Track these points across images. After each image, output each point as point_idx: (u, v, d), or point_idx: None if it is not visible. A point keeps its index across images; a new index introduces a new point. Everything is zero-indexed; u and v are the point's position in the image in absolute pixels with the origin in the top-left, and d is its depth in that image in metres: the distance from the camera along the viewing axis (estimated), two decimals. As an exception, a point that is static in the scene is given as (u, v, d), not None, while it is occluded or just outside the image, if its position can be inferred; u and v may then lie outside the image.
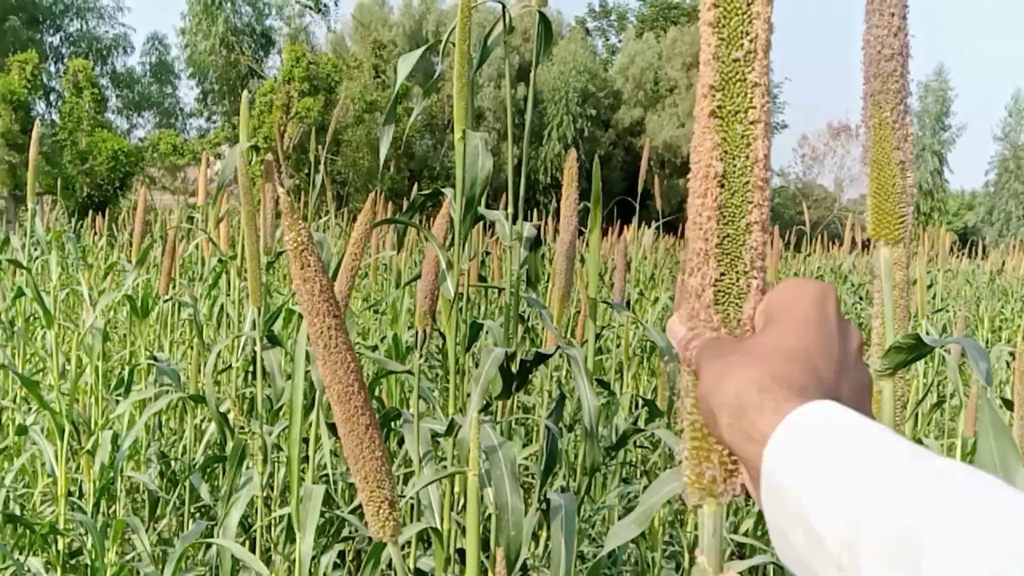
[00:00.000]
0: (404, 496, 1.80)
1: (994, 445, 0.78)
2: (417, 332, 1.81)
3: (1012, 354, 4.82)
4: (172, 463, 3.63)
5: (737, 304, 0.61)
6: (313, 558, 2.57)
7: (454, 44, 1.66)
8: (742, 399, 0.55)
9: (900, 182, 0.83)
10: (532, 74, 1.96)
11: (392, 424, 2.25)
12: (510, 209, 1.90)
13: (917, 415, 4.11)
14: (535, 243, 2.01)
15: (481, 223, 2.42)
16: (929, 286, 7.76)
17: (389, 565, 2.71)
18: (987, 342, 7.39)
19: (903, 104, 0.83)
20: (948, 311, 7.60)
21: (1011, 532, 0.43)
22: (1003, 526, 0.44)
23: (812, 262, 11.19)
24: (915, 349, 0.82)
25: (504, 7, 1.83)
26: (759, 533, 3.20)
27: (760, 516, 3.28)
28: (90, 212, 13.79)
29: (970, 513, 0.45)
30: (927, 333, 5.38)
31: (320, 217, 5.68)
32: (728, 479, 0.60)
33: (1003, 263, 13.57)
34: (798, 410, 0.53)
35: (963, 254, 18.08)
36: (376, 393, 3.55)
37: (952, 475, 0.47)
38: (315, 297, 0.91)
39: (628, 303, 5.61)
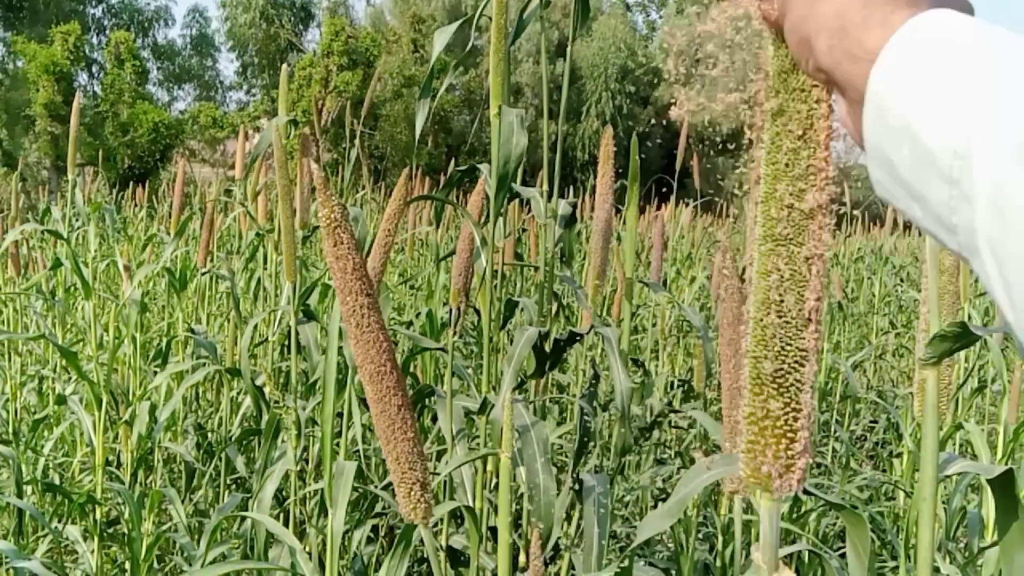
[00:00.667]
0: (437, 475, 1.79)
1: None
2: (451, 309, 1.80)
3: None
4: (209, 435, 3.66)
5: None
6: (345, 533, 2.58)
7: (490, 18, 1.63)
8: (844, 17, 0.52)
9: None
10: (569, 49, 1.94)
11: (426, 401, 2.25)
12: (545, 187, 1.88)
13: (958, 400, 4.05)
14: (570, 221, 1.99)
15: (518, 200, 2.40)
16: (970, 270, 7.64)
17: (422, 541, 2.72)
18: (1030, 325, 7.26)
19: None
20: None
21: None
22: None
23: (852, 243, 11.07)
24: (961, 338, 0.79)
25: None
26: (794, 517, 3.17)
27: (796, 500, 3.25)
28: (131, 184, 13.92)
29: None
30: (969, 317, 5.30)
31: (356, 192, 5.68)
32: (785, 474, 0.60)
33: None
34: (909, 23, 0.50)
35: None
36: (411, 369, 3.55)
37: None
38: (348, 275, 0.90)
39: (665, 282, 5.58)
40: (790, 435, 0.59)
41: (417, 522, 0.93)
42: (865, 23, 0.51)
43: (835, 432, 3.83)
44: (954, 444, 3.76)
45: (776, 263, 0.59)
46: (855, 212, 10.90)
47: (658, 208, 8.61)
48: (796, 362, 0.59)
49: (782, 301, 0.59)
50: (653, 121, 33.40)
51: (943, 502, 3.38)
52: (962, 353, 4.07)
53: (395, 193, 1.50)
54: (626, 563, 0.95)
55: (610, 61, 32.33)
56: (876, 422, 5.57)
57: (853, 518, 0.79)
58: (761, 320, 0.60)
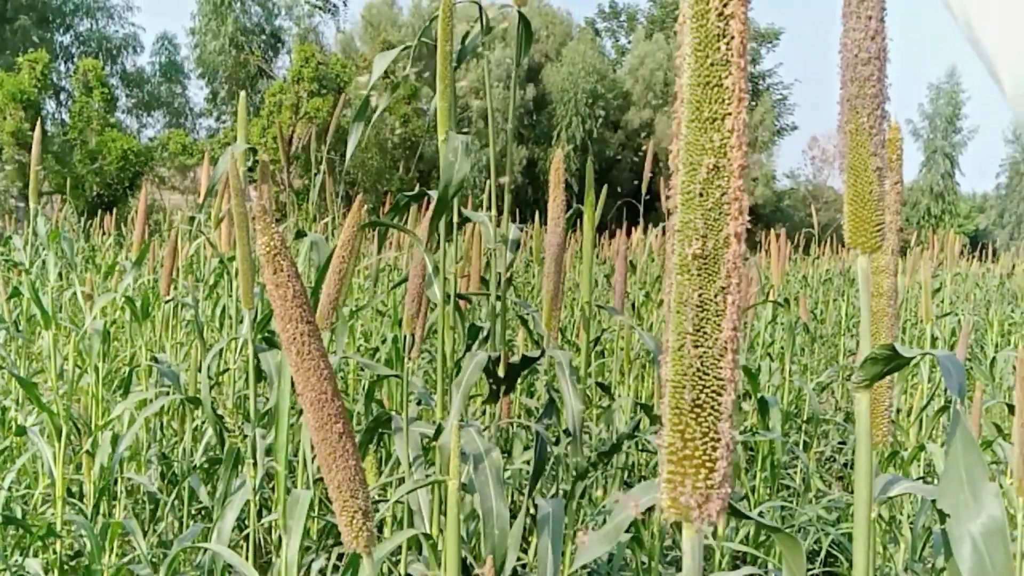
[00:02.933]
0: (387, 501, 1.78)
1: (962, 459, 0.77)
2: (405, 336, 1.80)
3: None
4: (173, 465, 3.63)
5: None
6: (311, 563, 2.56)
7: (431, 44, 1.64)
8: None
9: (877, 189, 0.82)
10: (514, 74, 1.95)
11: (387, 427, 2.24)
12: (493, 211, 1.89)
13: (922, 420, 4.08)
14: (517, 245, 2.00)
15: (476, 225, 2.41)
16: (937, 290, 7.71)
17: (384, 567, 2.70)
18: (996, 346, 7.34)
19: (880, 109, 0.81)
20: (957, 315, 7.56)
21: None
22: None
23: (821, 264, 11.16)
24: (891, 360, 0.80)
25: (480, 8, 1.82)
26: (760, 540, 3.18)
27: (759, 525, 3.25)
28: (99, 211, 13.82)
29: None
30: (933, 337, 5.34)
31: (323, 218, 5.67)
32: (703, 505, 0.59)
33: (1013, 267, 13.49)
34: None
35: (973, 257, 18.00)
36: (375, 395, 3.54)
37: None
38: (288, 303, 0.90)
39: (633, 305, 5.59)
40: (708, 465, 0.59)
41: (360, 551, 0.93)
42: None
43: (796, 455, 3.85)
44: (919, 464, 3.79)
45: (691, 293, 0.59)
46: (823, 234, 10.99)
47: (629, 231, 8.65)
48: (714, 392, 0.59)
49: (698, 331, 0.59)
50: (623, 146, 33.61)
51: (909, 522, 3.40)
52: (926, 374, 4.11)
53: (348, 220, 1.50)
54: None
55: (579, 86, 32.52)
56: (844, 443, 5.60)
57: (788, 542, 0.80)
58: (678, 350, 0.60)
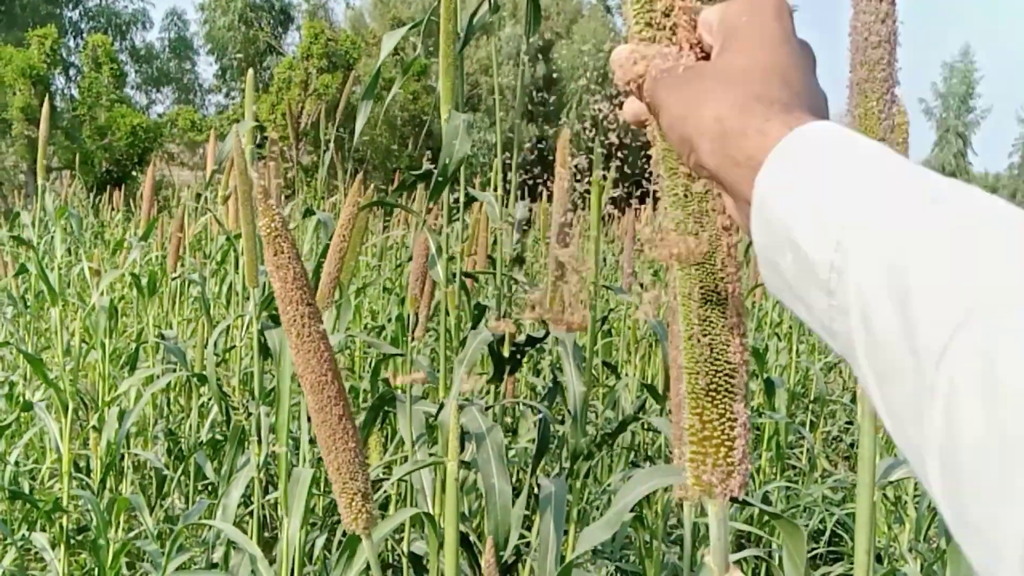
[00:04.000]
0: (388, 480, 1.78)
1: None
2: (409, 314, 1.80)
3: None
4: (180, 441, 3.64)
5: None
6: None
7: (439, 21, 1.63)
8: (724, 123, 0.53)
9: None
10: (523, 51, 1.94)
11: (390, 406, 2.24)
12: (499, 190, 1.88)
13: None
14: (526, 223, 1.99)
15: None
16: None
17: (388, 546, 2.71)
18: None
19: (890, 93, 0.80)
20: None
21: (1003, 269, 0.40)
22: (995, 262, 0.41)
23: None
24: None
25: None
26: (764, 520, 3.18)
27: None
28: (109, 187, 13.84)
29: (963, 248, 0.42)
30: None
31: (331, 195, 5.66)
32: (725, 481, 0.63)
33: (1024, 247, 13.42)
34: (789, 135, 0.51)
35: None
36: (382, 374, 3.54)
37: (950, 201, 0.45)
38: (288, 284, 0.89)
39: (642, 285, 5.57)
40: (728, 444, 0.62)
41: (359, 532, 0.92)
42: (744, 131, 0.52)
43: (802, 435, 3.85)
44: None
45: (692, 287, 0.61)
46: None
47: (637, 211, 8.62)
48: (727, 375, 0.62)
49: (704, 321, 0.61)
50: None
51: (914, 503, 3.40)
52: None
53: (348, 198, 1.49)
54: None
55: (590, 64, 32.37)
56: (851, 423, 5.59)
57: (789, 527, 0.79)
58: (688, 339, 0.62)
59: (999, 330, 0.39)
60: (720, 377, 0.62)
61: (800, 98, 0.54)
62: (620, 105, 0.64)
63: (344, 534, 3.10)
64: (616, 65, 0.62)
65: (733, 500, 0.63)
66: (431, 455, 1.85)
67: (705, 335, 0.61)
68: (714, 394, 0.62)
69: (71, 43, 31.78)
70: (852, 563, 3.18)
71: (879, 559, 3.45)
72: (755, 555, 2.61)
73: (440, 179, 1.66)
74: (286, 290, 0.89)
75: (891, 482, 1.00)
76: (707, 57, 0.59)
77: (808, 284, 0.49)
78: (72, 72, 30.22)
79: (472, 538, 2.17)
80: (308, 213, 2.55)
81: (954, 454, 0.40)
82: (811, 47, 0.59)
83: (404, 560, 2.01)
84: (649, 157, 0.65)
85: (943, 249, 0.42)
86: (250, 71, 2.76)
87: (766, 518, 3.34)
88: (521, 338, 2.16)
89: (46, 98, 3.80)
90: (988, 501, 0.39)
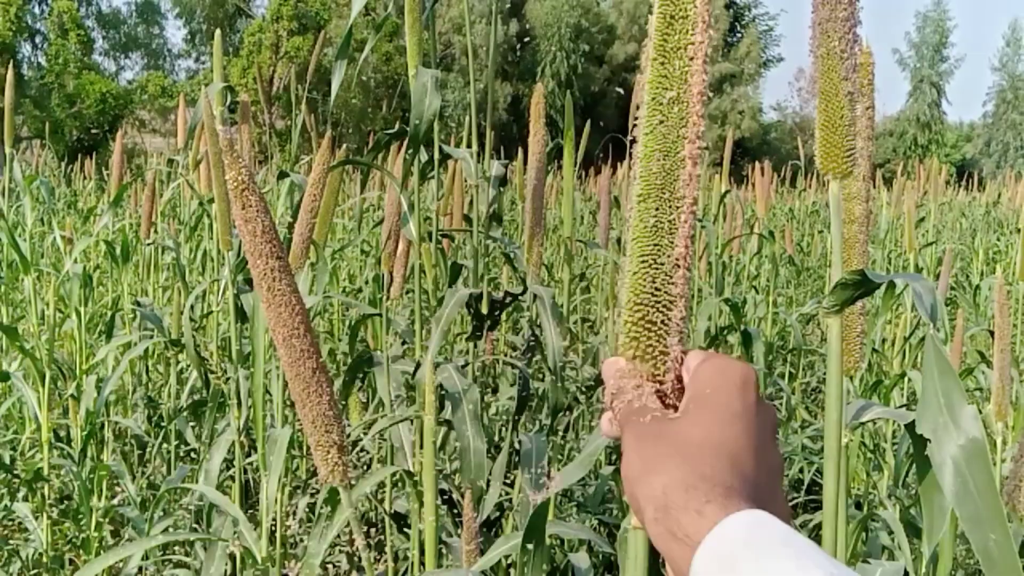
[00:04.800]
0: (368, 437, 1.79)
1: (939, 384, 0.77)
2: (382, 274, 1.79)
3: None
4: (160, 408, 3.64)
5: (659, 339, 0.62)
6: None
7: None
8: (668, 496, 0.56)
9: (848, 114, 0.81)
10: (494, 8, 1.92)
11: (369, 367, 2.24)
12: (474, 147, 1.87)
13: (906, 350, 4.11)
14: (503, 182, 1.98)
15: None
16: (922, 220, 7.72)
17: (371, 504, 2.73)
18: (982, 275, 7.38)
19: (852, 33, 0.80)
20: (942, 244, 7.58)
21: None
22: None
23: (807, 196, 11.14)
24: (861, 285, 0.80)
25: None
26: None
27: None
28: (80, 156, 13.69)
29: None
30: (917, 267, 5.35)
31: (305, 158, 5.62)
32: None
33: (999, 195, 13.51)
34: (730, 520, 0.54)
35: (960, 186, 18.01)
36: (362, 335, 3.54)
37: None
38: (257, 238, 0.89)
39: (619, 240, 5.59)
40: (659, 379, 0.63)
41: (336, 484, 0.93)
42: (685, 507, 0.55)
43: (779, 384, 3.88)
44: (902, 392, 3.83)
45: (648, 214, 0.61)
46: (810, 167, 10.97)
47: (614, 167, 8.62)
48: (664, 306, 0.62)
49: (655, 247, 0.61)
50: (608, 80, 33.35)
51: (893, 449, 3.44)
52: (909, 303, 4.13)
53: (318, 158, 1.48)
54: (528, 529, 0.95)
55: (563, 20, 32.15)
56: (829, 373, 5.63)
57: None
58: (634, 271, 0.62)
59: None
60: (659, 308, 0.62)
61: (745, 483, 0.58)
62: (598, 60, 0.65)
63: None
64: (605, 377, 0.66)
65: None
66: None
67: (652, 265, 0.62)
68: (650, 325, 0.62)
69: (36, 10, 31.26)
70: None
71: (859, 506, 3.50)
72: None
73: (414, 136, 1.65)
74: (255, 244, 0.89)
75: (861, 423, 1.01)
76: (681, 391, 0.63)
77: None
78: (38, 39, 29.75)
79: (456, 496, 2.18)
80: (282, 175, 2.53)
81: None
82: (774, 411, 0.64)
83: (387, 519, 2.02)
84: (625, 111, 0.67)
85: None
86: (217, 32, 2.73)
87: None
88: (499, 295, 2.16)
89: (10, 65, 3.75)
90: None
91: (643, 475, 0.59)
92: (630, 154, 0.67)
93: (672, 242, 0.61)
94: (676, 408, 0.62)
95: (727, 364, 0.62)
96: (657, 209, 0.61)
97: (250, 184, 0.89)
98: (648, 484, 0.58)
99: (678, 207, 0.61)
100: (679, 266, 0.61)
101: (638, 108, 0.65)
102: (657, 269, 0.61)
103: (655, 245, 0.61)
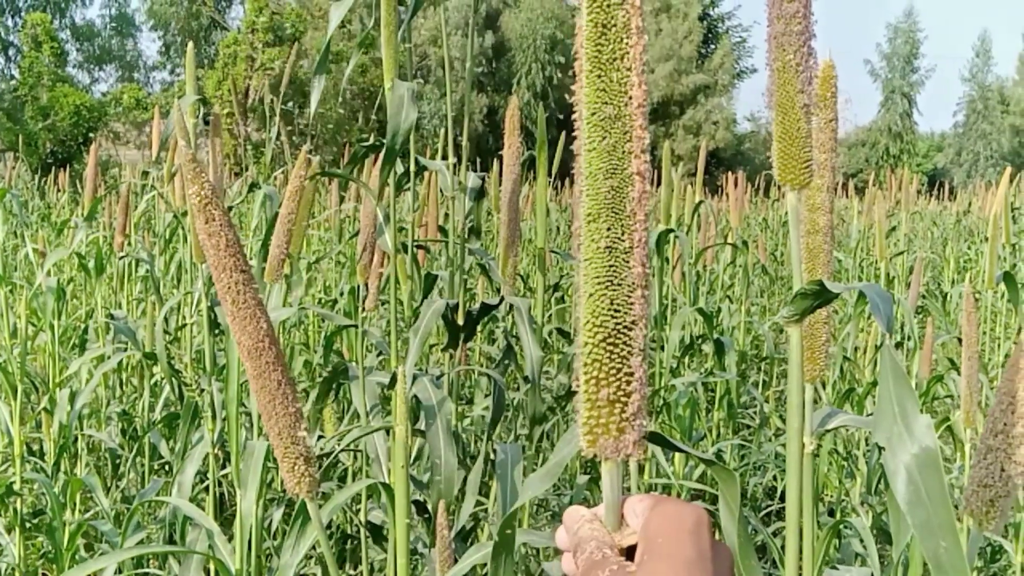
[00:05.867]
0: (345, 450, 1.79)
1: (893, 392, 0.79)
2: (358, 286, 1.80)
3: (975, 296, 4.85)
4: (134, 421, 3.62)
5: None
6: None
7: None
8: None
9: (804, 126, 0.82)
10: (471, 21, 1.93)
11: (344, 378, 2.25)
12: (451, 158, 1.88)
13: (876, 360, 4.15)
14: (480, 193, 1.99)
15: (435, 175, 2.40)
16: (893, 229, 7.79)
17: (347, 516, 2.72)
18: (953, 283, 7.45)
19: (807, 47, 0.82)
20: (913, 253, 7.65)
21: None
22: None
23: (781, 207, 11.21)
24: (820, 295, 0.81)
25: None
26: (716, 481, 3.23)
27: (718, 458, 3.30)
28: (54, 169, 13.60)
29: None
30: (888, 276, 5.40)
31: (277, 169, 5.62)
32: (619, 437, 0.61)
33: (969, 204, 13.65)
34: None
35: (931, 196, 18.17)
36: (337, 347, 3.54)
37: None
38: (221, 252, 0.89)
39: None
40: (623, 399, 0.60)
41: (303, 496, 0.93)
42: None
43: (752, 394, 3.91)
44: (874, 400, 3.85)
45: (599, 234, 0.60)
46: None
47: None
48: (626, 327, 0.60)
49: (610, 269, 0.60)
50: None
51: (865, 457, 3.47)
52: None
53: (294, 171, 1.49)
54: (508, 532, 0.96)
55: (539, 32, 32.27)
56: (803, 382, 5.67)
57: (724, 474, 0.81)
58: (591, 294, 0.61)
59: None
60: (619, 329, 0.60)
61: None
62: (574, 71, 0.65)
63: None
64: (566, 525, 0.66)
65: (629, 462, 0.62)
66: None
67: (609, 287, 0.60)
68: (611, 347, 0.60)
69: (8, 22, 31.07)
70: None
71: (831, 513, 3.52)
72: (706, 508, 2.65)
73: (390, 149, 1.65)
74: (219, 257, 0.89)
75: (827, 431, 1.03)
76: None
77: None
78: (11, 52, 29.56)
79: (431, 506, 2.18)
80: (253, 187, 2.53)
81: None
82: (728, 551, 0.64)
83: (362, 530, 2.02)
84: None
85: None
86: (190, 43, 2.73)
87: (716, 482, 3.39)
88: (475, 306, 2.17)
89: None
90: None
91: None
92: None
93: (628, 263, 0.60)
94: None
95: (678, 509, 0.62)
96: (609, 229, 0.60)
97: (213, 198, 0.90)
98: None
99: (631, 227, 0.60)
100: (637, 286, 0.60)
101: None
102: (615, 290, 0.60)
103: (610, 267, 0.60)
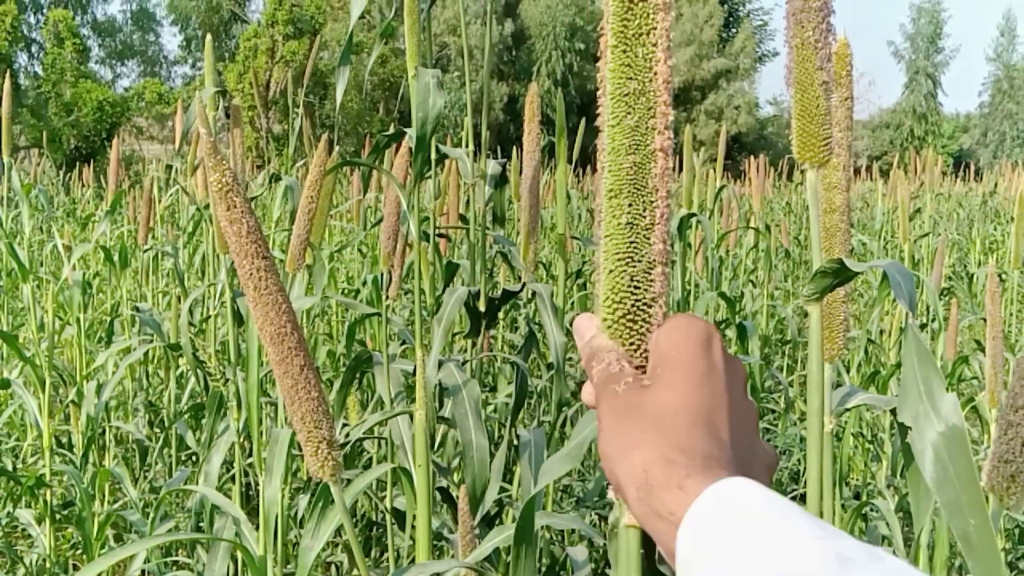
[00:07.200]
0: (369, 438, 1.80)
1: (918, 371, 0.78)
2: (381, 274, 1.81)
3: (1000, 276, 4.83)
4: (161, 412, 3.65)
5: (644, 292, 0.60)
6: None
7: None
8: (650, 474, 0.56)
9: (823, 103, 0.82)
10: (489, 9, 1.93)
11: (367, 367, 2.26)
12: (471, 147, 1.88)
13: (901, 342, 4.12)
14: (500, 180, 1.99)
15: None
16: (918, 211, 7.73)
17: (370, 500, 2.73)
18: (979, 264, 7.39)
19: (826, 23, 0.81)
20: (938, 234, 7.59)
21: None
22: None
23: (804, 191, 11.14)
24: (840, 274, 0.81)
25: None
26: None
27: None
28: (78, 164, 13.70)
29: None
30: (912, 258, 5.36)
31: (299, 161, 5.64)
32: None
33: (995, 185, 13.52)
34: (708, 492, 0.53)
35: (957, 177, 18.02)
36: (360, 336, 3.55)
37: (858, 563, 0.47)
38: (242, 239, 0.90)
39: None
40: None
41: (326, 479, 0.94)
42: (666, 484, 0.54)
43: (777, 378, 3.89)
44: (899, 382, 3.83)
45: (620, 210, 0.60)
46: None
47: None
48: (645, 304, 0.60)
49: (631, 243, 0.60)
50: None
51: (891, 439, 3.46)
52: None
53: (315, 160, 1.49)
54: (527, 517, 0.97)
55: (558, 19, 32.17)
56: (828, 365, 5.64)
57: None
58: (611, 270, 0.61)
59: None
60: (639, 306, 0.60)
61: (723, 447, 0.57)
62: (594, 58, 0.64)
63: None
64: (577, 335, 0.65)
65: None
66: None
67: (629, 263, 0.60)
68: (630, 324, 0.60)
69: (32, 19, 31.28)
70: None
71: (857, 496, 3.51)
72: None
73: (421, 137, 1.65)
74: (241, 244, 0.90)
75: (846, 409, 1.02)
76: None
77: None
78: (35, 49, 29.77)
79: (455, 492, 2.19)
80: (274, 179, 2.54)
81: None
82: (741, 364, 0.62)
83: (388, 516, 2.03)
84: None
85: None
86: (208, 36, 2.73)
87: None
88: (497, 293, 2.17)
89: (6, 75, 3.76)
90: None
91: (622, 452, 0.57)
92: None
93: (648, 239, 0.60)
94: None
95: (688, 322, 0.60)
96: (631, 205, 0.59)
97: (234, 185, 0.91)
98: (628, 461, 0.57)
99: (652, 203, 0.60)
100: (657, 263, 0.60)
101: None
102: (635, 267, 0.60)
103: (631, 243, 0.60)
